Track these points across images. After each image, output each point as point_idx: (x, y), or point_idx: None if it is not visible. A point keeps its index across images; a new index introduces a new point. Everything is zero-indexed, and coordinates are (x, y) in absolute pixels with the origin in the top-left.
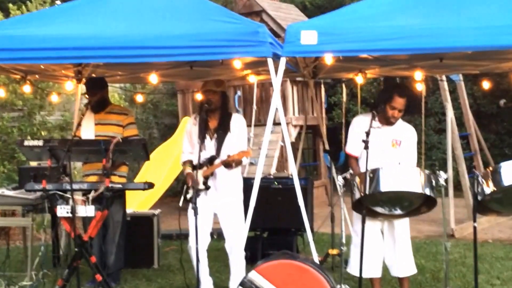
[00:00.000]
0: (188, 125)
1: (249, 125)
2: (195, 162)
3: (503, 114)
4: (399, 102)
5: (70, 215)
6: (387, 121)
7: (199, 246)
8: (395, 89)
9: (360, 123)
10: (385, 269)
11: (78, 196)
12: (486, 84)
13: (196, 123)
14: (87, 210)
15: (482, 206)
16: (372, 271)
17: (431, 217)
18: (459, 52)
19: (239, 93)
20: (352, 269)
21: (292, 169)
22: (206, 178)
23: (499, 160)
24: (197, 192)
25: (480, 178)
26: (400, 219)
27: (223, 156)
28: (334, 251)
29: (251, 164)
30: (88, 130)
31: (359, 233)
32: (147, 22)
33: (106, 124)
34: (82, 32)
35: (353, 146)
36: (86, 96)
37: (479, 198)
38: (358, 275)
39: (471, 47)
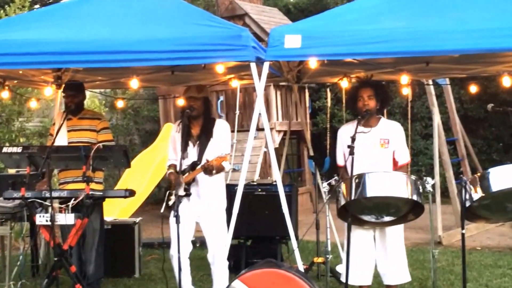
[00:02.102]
0: (172, 132)
1: (232, 131)
2: (178, 168)
3: (491, 119)
4: (364, 91)
5: (49, 223)
6: (363, 116)
7: (181, 254)
8: (358, 85)
9: (346, 132)
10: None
11: (56, 204)
12: (473, 88)
13: (179, 130)
14: (67, 218)
15: (470, 212)
16: (362, 279)
17: (418, 224)
18: (446, 56)
19: (221, 98)
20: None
21: (276, 176)
22: (187, 184)
23: (487, 165)
24: (178, 199)
25: (468, 184)
26: (387, 227)
27: (204, 162)
28: (320, 259)
29: (234, 170)
30: (61, 137)
31: (352, 241)
32: (128, 26)
33: (79, 130)
34: (62, 36)
35: (341, 157)
36: (65, 100)
37: (467, 204)
38: (350, 282)
39: (458, 50)
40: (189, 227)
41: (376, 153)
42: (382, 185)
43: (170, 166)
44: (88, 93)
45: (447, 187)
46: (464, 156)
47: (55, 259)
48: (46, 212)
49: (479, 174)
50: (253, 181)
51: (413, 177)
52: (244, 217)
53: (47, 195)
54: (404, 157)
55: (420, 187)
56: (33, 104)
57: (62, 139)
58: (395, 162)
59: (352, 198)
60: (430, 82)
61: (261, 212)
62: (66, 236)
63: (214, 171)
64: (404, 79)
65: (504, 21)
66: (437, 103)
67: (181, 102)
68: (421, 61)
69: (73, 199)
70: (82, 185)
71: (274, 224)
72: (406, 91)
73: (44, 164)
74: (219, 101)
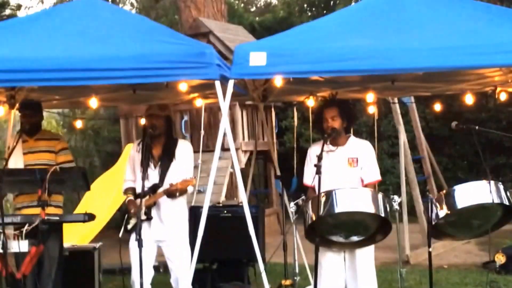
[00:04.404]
0: (131, 152)
1: (197, 151)
2: (138, 190)
3: (456, 137)
4: (328, 112)
5: (1, 251)
6: (329, 135)
7: (143, 280)
8: (322, 105)
9: (316, 151)
10: None
11: (10, 230)
12: (437, 107)
13: (139, 150)
14: (20, 245)
15: (436, 230)
16: None
17: (385, 243)
18: (411, 74)
19: (186, 118)
20: None
21: (242, 197)
22: (148, 208)
23: (452, 183)
24: (140, 222)
25: (434, 202)
26: (356, 248)
27: (166, 185)
28: (287, 282)
29: (199, 192)
30: (16, 160)
31: (321, 262)
32: (87, 43)
33: (36, 152)
34: (16, 53)
35: (309, 177)
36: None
37: (433, 222)
38: None
39: (422, 68)
40: (150, 252)
41: (344, 172)
42: (349, 201)
43: (127, 190)
44: (44, 114)
45: (414, 205)
46: (430, 174)
47: None
48: None
49: (444, 191)
50: (218, 203)
51: (380, 194)
52: (209, 240)
53: None
54: (372, 175)
55: (387, 205)
56: None
57: (17, 162)
58: (362, 181)
59: (320, 214)
60: (396, 100)
61: (227, 235)
62: (20, 264)
63: (177, 194)
64: (370, 97)
65: (466, 40)
66: (403, 121)
67: (144, 122)
68: (387, 79)
69: (27, 224)
70: (38, 210)
71: (240, 247)
72: (372, 110)
73: None
74: (184, 121)
